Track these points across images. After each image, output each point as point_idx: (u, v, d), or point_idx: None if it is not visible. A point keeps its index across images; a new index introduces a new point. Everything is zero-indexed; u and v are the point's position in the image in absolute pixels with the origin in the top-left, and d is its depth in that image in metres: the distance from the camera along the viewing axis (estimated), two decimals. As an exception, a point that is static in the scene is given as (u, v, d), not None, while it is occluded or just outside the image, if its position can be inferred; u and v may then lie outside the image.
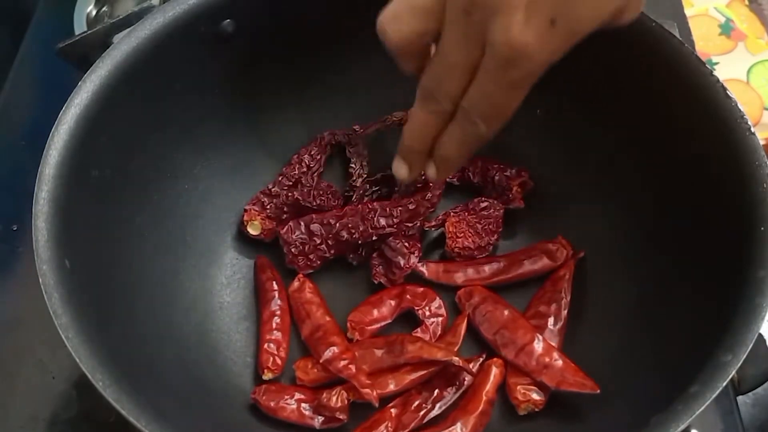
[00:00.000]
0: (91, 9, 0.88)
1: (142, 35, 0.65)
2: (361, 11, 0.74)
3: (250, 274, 0.76)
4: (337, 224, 0.73)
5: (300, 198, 0.74)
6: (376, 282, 0.74)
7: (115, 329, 0.59)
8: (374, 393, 0.65)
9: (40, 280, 0.54)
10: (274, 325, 0.71)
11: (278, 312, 0.72)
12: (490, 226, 0.76)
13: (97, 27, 0.80)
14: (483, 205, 0.76)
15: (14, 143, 0.89)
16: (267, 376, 0.69)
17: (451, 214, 0.76)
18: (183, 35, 0.67)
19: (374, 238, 0.73)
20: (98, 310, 0.57)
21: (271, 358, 0.69)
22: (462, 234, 0.75)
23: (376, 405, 0.65)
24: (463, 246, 0.75)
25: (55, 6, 0.97)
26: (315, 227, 0.73)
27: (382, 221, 0.73)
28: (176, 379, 0.64)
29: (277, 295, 0.73)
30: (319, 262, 0.74)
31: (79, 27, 0.87)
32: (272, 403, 0.66)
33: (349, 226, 0.73)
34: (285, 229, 0.74)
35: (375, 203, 0.74)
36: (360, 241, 0.73)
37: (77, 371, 0.52)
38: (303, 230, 0.73)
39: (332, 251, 0.74)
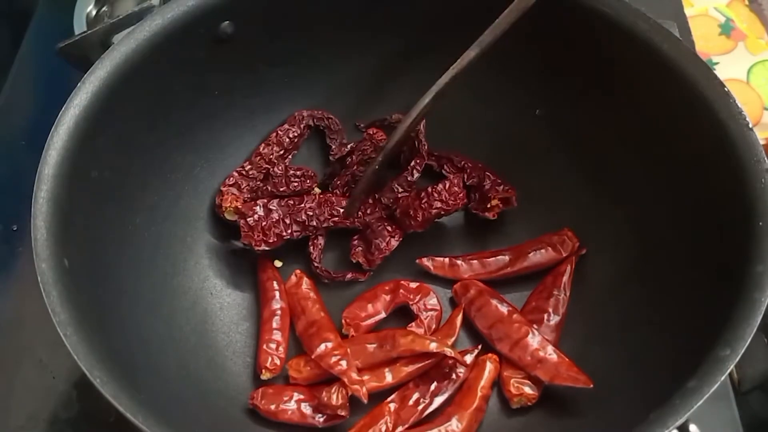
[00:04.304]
0: (91, 9, 0.89)
1: (141, 36, 0.65)
2: (360, 12, 0.74)
3: (250, 274, 0.76)
4: (296, 207, 0.74)
5: (274, 190, 0.75)
6: (354, 261, 0.75)
7: (114, 328, 0.59)
8: (363, 390, 0.65)
9: (39, 278, 0.54)
10: (274, 325, 0.71)
11: (278, 312, 0.72)
12: (444, 197, 0.74)
13: (97, 27, 0.80)
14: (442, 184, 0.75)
15: (14, 143, 0.89)
16: (265, 376, 0.69)
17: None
18: (182, 36, 0.67)
19: (330, 226, 0.74)
20: (97, 309, 0.57)
21: (270, 358, 0.69)
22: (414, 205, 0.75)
23: (365, 402, 0.65)
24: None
25: (55, 6, 0.97)
26: (273, 206, 0.74)
27: (341, 209, 0.74)
28: (175, 378, 0.65)
29: (277, 295, 0.73)
30: (275, 240, 0.73)
31: (79, 27, 0.87)
32: (272, 407, 0.66)
33: (307, 208, 0.74)
34: (243, 206, 0.74)
35: (336, 196, 0.75)
36: (319, 225, 0.74)
37: (77, 371, 0.53)
38: (261, 208, 0.73)
39: (290, 231, 0.73)
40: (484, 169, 0.78)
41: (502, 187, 0.76)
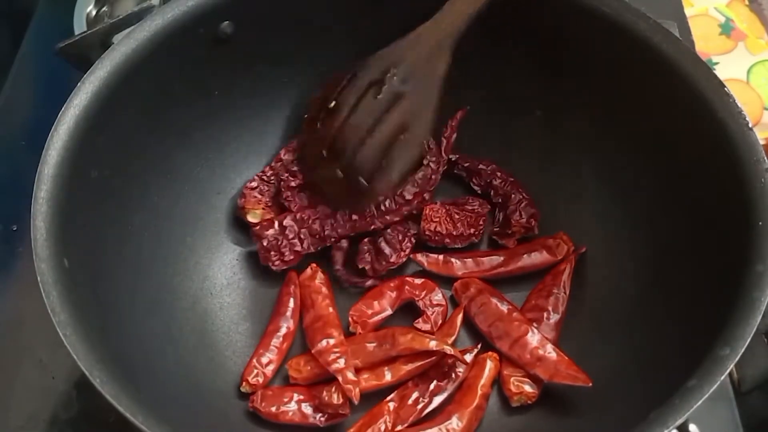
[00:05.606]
0: (91, 9, 0.89)
1: (141, 36, 0.65)
2: (361, 12, 0.74)
3: (250, 275, 0.77)
4: (311, 219, 0.73)
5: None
6: (360, 267, 0.74)
7: (113, 328, 0.59)
8: (356, 391, 0.65)
9: (39, 278, 0.54)
10: (274, 342, 0.71)
11: (283, 331, 0.71)
12: (468, 220, 0.76)
13: (97, 27, 0.80)
14: (472, 203, 0.77)
15: (14, 143, 0.90)
16: (244, 388, 0.68)
17: (438, 202, 0.76)
18: (182, 37, 0.67)
19: (350, 233, 0.73)
20: (97, 309, 0.57)
21: (255, 372, 0.69)
22: (437, 219, 0.76)
23: (356, 403, 0.65)
24: (434, 230, 0.75)
25: (55, 6, 0.97)
26: (287, 223, 0.73)
27: (355, 216, 0.73)
28: (175, 378, 0.65)
29: (289, 314, 0.72)
30: (293, 257, 0.73)
31: (79, 27, 0.87)
32: (273, 409, 0.66)
33: (322, 219, 0.73)
34: (258, 226, 0.73)
35: None
36: (336, 235, 0.73)
37: (77, 371, 0.52)
38: (276, 227, 0.73)
39: (305, 245, 0.73)
40: (515, 185, 0.78)
41: (526, 210, 0.76)
